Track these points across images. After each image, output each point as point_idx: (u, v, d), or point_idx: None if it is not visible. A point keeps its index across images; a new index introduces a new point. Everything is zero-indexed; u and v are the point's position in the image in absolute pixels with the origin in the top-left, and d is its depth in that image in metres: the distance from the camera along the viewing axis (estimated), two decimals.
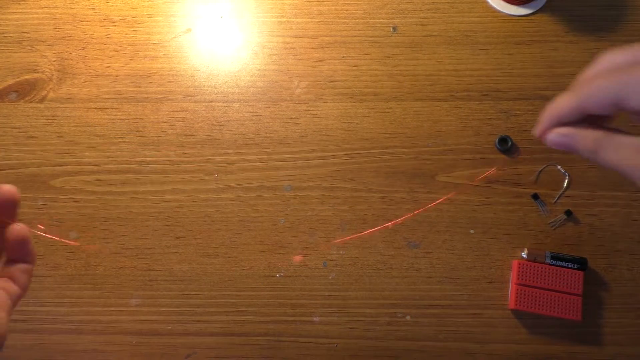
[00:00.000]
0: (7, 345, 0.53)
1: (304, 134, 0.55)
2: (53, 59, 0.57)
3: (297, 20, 0.57)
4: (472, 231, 0.54)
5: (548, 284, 0.51)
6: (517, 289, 0.51)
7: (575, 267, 0.51)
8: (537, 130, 0.32)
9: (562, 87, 0.55)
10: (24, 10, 0.58)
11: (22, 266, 0.35)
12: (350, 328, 0.53)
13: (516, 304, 0.51)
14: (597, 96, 0.29)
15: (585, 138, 0.30)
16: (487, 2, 0.57)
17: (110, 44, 0.57)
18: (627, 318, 0.52)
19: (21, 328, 0.54)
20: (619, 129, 0.30)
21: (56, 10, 0.58)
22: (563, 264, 0.51)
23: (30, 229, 0.35)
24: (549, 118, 0.31)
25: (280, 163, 0.55)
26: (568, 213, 0.54)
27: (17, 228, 0.34)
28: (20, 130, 0.56)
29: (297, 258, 0.51)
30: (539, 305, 0.51)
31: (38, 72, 0.57)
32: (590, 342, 0.52)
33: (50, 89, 0.57)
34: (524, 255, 0.52)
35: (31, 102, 0.57)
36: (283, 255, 0.54)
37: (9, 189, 0.34)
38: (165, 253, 0.54)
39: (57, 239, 0.54)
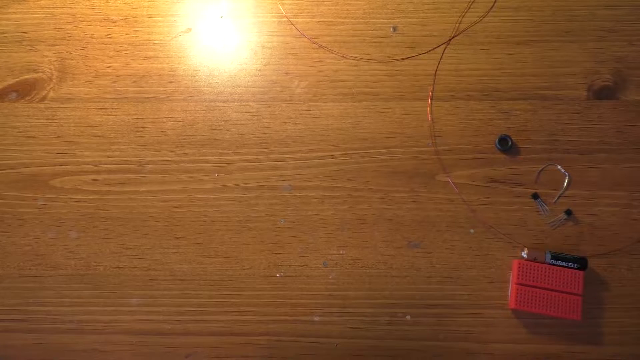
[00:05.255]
0: (7, 345, 0.54)
1: (304, 133, 0.56)
2: (53, 59, 0.57)
3: (297, 20, 0.57)
4: (472, 231, 0.54)
5: (548, 284, 0.51)
6: (517, 289, 0.51)
7: (575, 266, 0.51)
8: None
9: (562, 87, 0.55)
10: (24, 10, 0.58)
11: None
12: (351, 328, 0.53)
13: (516, 304, 0.51)
14: None
15: None
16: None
17: (111, 44, 0.57)
18: (627, 318, 0.52)
19: (21, 328, 0.54)
20: None
21: (56, 10, 0.58)
22: (563, 263, 0.51)
23: None
24: None
25: (281, 163, 0.55)
26: (568, 213, 0.54)
27: None
28: (21, 130, 0.56)
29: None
30: (539, 305, 0.51)
31: (38, 72, 0.57)
32: (590, 342, 0.52)
33: (51, 88, 0.57)
34: (524, 255, 0.52)
35: (31, 101, 0.57)
36: (283, 255, 0.54)
37: None
38: (165, 253, 0.54)
39: None
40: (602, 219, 0.54)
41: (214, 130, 0.56)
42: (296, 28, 0.57)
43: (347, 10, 0.57)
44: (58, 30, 0.58)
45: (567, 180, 0.54)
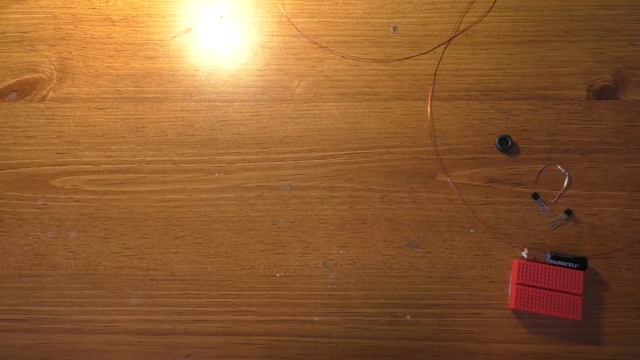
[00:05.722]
0: (7, 345, 0.54)
1: (304, 133, 0.56)
2: (53, 59, 0.57)
3: (297, 20, 0.57)
4: (472, 231, 0.54)
5: (548, 284, 0.51)
6: (517, 289, 0.51)
7: (575, 266, 0.51)
8: None
9: (562, 87, 0.55)
10: (24, 10, 0.58)
11: None
12: (351, 328, 0.53)
13: (516, 304, 0.51)
14: None
15: None
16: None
17: (111, 44, 0.57)
18: (627, 318, 0.52)
19: (21, 328, 0.54)
20: None
21: (56, 10, 0.58)
22: (563, 263, 0.51)
23: None
24: None
25: (280, 163, 0.55)
26: (568, 212, 0.54)
27: None
28: (21, 130, 0.56)
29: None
30: (539, 304, 0.51)
31: (38, 72, 0.57)
32: (590, 342, 0.52)
33: (51, 88, 0.57)
34: (524, 255, 0.52)
35: (31, 101, 0.57)
36: (283, 255, 0.54)
37: None
38: (165, 253, 0.54)
39: None
40: (602, 219, 0.54)
41: (214, 130, 0.56)
42: (296, 28, 0.57)
43: (347, 10, 0.57)
44: (58, 30, 0.58)
45: (567, 180, 0.54)
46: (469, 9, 0.57)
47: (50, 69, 0.57)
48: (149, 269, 0.54)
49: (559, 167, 0.54)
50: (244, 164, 0.55)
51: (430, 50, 0.57)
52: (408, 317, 0.53)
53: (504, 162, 0.55)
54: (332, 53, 0.57)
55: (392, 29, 0.57)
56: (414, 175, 0.55)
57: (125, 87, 0.57)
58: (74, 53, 0.57)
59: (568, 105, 0.55)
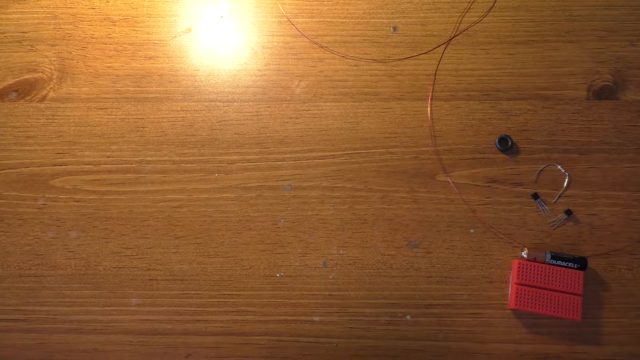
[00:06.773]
0: (7, 345, 0.54)
1: (304, 133, 0.56)
2: (53, 59, 0.57)
3: (297, 20, 0.57)
4: (472, 231, 0.54)
5: (548, 284, 0.51)
6: (517, 289, 0.51)
7: (575, 266, 0.51)
8: None
9: (562, 87, 0.55)
10: (24, 10, 0.58)
11: None
12: (351, 328, 0.53)
13: (516, 304, 0.51)
14: None
15: None
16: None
17: (111, 44, 0.57)
18: (627, 318, 0.52)
19: (21, 328, 0.54)
20: None
21: (56, 10, 0.58)
22: (563, 263, 0.51)
23: None
24: None
25: (280, 163, 0.55)
26: (568, 213, 0.54)
27: None
28: (21, 129, 0.56)
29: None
30: (539, 304, 0.51)
31: (38, 72, 0.57)
32: (590, 342, 0.52)
33: (51, 88, 0.57)
34: (524, 255, 0.52)
35: (31, 101, 0.57)
36: (283, 255, 0.54)
37: None
38: (165, 253, 0.54)
39: None
40: (602, 219, 0.54)
41: (214, 130, 0.56)
42: (296, 28, 0.57)
43: (347, 10, 0.57)
44: (58, 30, 0.58)
45: (567, 180, 0.54)
46: (469, 9, 0.57)
47: (50, 69, 0.57)
48: (149, 269, 0.54)
49: (559, 167, 0.54)
50: (244, 164, 0.55)
51: (430, 50, 0.57)
52: (408, 317, 0.53)
53: (504, 162, 0.55)
54: (332, 53, 0.57)
55: (392, 29, 0.57)
56: (414, 175, 0.55)
57: (125, 87, 0.57)
58: (74, 53, 0.57)
59: (568, 105, 0.55)
